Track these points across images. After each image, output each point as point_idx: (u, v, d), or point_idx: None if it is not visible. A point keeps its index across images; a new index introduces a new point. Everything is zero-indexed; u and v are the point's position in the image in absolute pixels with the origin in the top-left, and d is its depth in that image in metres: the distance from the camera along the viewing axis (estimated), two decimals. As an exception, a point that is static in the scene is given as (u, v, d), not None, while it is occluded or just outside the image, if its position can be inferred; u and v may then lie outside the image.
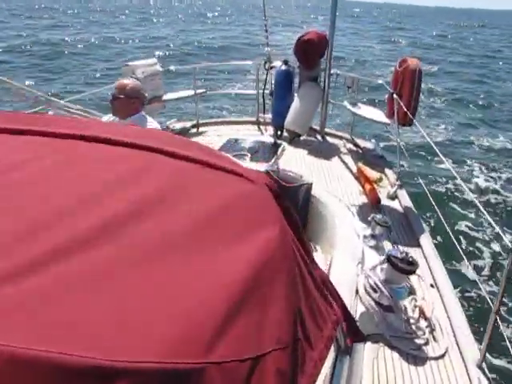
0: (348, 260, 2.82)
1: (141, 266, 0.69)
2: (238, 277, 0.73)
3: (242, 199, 0.94)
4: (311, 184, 3.59)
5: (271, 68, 5.80)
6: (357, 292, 2.74)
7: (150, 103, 5.67)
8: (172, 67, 6.29)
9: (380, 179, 4.53)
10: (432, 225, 5.69)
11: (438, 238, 5.29)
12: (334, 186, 4.43)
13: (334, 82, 5.47)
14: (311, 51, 5.29)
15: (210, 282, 0.70)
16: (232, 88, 10.58)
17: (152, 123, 3.42)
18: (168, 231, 0.78)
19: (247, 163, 4.42)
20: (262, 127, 6.04)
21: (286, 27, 30.70)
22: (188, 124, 6.12)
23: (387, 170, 4.78)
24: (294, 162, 4.91)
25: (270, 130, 5.86)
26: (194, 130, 6.06)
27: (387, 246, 3.42)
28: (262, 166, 4.16)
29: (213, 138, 5.58)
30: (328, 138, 5.66)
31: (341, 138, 5.65)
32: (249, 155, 4.73)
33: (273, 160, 4.69)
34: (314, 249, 3.52)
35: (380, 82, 5.18)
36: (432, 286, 3.15)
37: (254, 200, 0.96)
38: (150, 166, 0.95)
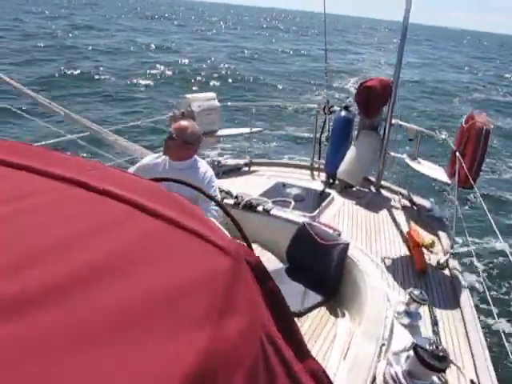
0: (370, 339, 2.49)
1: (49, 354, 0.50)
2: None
3: (208, 278, 0.72)
4: (348, 244, 3.29)
5: (331, 113, 5.58)
6: (374, 379, 2.39)
7: (205, 137, 5.65)
8: (229, 103, 6.25)
9: (432, 244, 4.11)
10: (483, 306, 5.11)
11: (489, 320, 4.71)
12: (379, 245, 4.07)
13: (395, 132, 5.16)
14: (373, 99, 5.03)
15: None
16: (289, 129, 10.41)
17: (203, 167, 3.32)
18: (101, 311, 0.59)
19: (288, 211, 4.18)
20: (315, 173, 5.79)
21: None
22: (241, 162, 6.00)
23: (442, 235, 4.35)
24: (342, 214, 4.61)
25: (324, 176, 5.60)
26: (246, 169, 5.92)
27: (426, 325, 3.04)
28: (301, 217, 3.92)
29: (263, 179, 5.40)
30: (383, 192, 5.30)
31: (397, 192, 5.27)
32: (292, 203, 4.50)
33: (316, 211, 4.42)
34: (342, 314, 3.20)
35: (443, 137, 4.80)
36: (473, 383, 2.72)
37: (225, 280, 0.73)
38: (112, 221, 0.76)
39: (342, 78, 22.47)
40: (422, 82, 25.43)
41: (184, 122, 3.23)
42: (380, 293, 2.86)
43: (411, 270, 3.74)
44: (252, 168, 5.95)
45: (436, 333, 3.09)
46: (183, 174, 3.23)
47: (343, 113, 5.35)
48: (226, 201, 4.14)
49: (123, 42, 30.47)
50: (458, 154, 4.15)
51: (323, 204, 4.62)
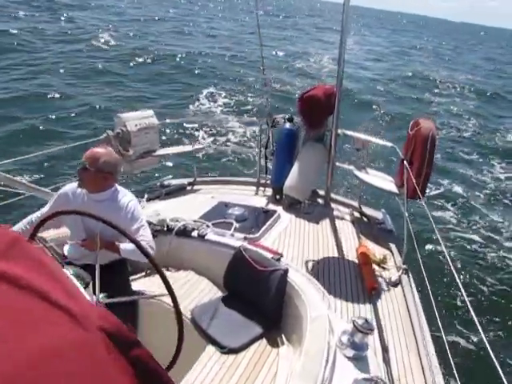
0: (308, 379, 2.18)
1: None
2: None
3: (52, 358, 0.63)
4: (286, 270, 2.98)
5: (274, 126, 5.31)
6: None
7: (144, 157, 5.29)
8: (168, 120, 5.91)
9: (383, 260, 3.86)
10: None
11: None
12: (327, 264, 3.78)
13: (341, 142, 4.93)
14: (316, 109, 4.78)
15: None
16: (233, 145, 10.10)
17: (125, 197, 3.01)
18: None
19: (229, 234, 3.85)
20: (261, 189, 5.49)
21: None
22: (185, 181, 5.65)
23: (394, 249, 4.10)
24: (288, 232, 4.31)
25: (270, 192, 5.31)
26: (189, 188, 5.58)
27: (375, 353, 2.75)
28: (239, 241, 3.60)
29: (206, 198, 5.06)
30: (332, 205, 5.04)
31: (347, 205, 5.02)
32: (234, 224, 4.17)
33: (259, 232, 4.10)
34: (284, 348, 2.88)
35: (390, 145, 4.59)
36: None
37: (74, 357, 0.66)
38: None
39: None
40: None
41: (97, 150, 2.91)
42: (321, 323, 2.55)
43: (361, 290, 3.46)
44: (196, 187, 5.61)
45: (386, 361, 2.80)
46: (102, 206, 2.95)
47: (287, 125, 5.09)
48: (157, 228, 3.78)
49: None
50: (405, 162, 3.93)
51: (268, 223, 4.31)
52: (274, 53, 27.19)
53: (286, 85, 18.69)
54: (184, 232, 3.69)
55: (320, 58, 28.36)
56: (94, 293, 2.22)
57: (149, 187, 5.49)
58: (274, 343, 2.89)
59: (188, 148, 5.71)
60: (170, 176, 5.91)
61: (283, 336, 2.96)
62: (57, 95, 13.32)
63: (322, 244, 4.11)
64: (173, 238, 3.68)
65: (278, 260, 3.15)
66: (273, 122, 5.30)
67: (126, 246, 2.97)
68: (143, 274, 3.65)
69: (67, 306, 0.73)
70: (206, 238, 3.61)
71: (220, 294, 3.36)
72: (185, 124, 8.16)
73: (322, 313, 2.62)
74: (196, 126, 5.72)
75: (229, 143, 10.07)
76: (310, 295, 2.80)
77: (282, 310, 3.01)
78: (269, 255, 3.21)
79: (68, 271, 1.78)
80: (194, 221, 4.14)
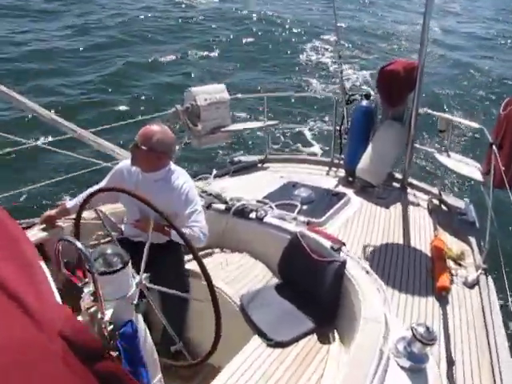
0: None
1: None
2: None
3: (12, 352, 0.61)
4: (344, 262, 2.72)
5: (350, 102, 4.95)
6: None
7: (214, 133, 5.18)
8: (240, 95, 5.72)
9: (461, 256, 3.44)
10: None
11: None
12: (395, 256, 3.44)
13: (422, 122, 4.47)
14: (396, 85, 4.35)
15: None
16: (308, 121, 9.61)
17: (180, 178, 2.90)
18: None
19: (291, 217, 3.63)
20: (334, 170, 5.17)
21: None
22: (255, 158, 5.48)
23: (475, 245, 3.64)
24: (356, 218, 4.00)
25: (343, 174, 4.98)
26: (259, 165, 5.40)
27: (439, 365, 2.43)
28: (300, 226, 3.36)
29: (275, 177, 4.86)
30: (410, 191, 4.61)
31: (426, 192, 4.57)
32: (299, 206, 3.94)
33: (324, 216, 3.84)
34: (335, 347, 2.65)
35: (478, 127, 4.07)
36: None
37: (16, 358, 0.61)
38: None
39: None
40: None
41: (151, 127, 2.77)
42: (375, 326, 2.28)
43: (430, 290, 3.10)
44: (267, 165, 5.41)
45: (450, 377, 2.47)
46: (156, 186, 2.85)
47: (364, 102, 4.71)
48: (216, 206, 3.64)
49: None
50: (494, 147, 3.44)
51: (335, 207, 4.03)
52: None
53: (363, 59, 17.25)
54: (242, 212, 3.52)
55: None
56: (138, 273, 2.12)
57: (218, 163, 5.37)
58: (325, 340, 2.67)
59: (260, 124, 5.52)
60: (241, 153, 5.75)
61: (336, 333, 2.72)
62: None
63: (393, 233, 3.76)
64: (230, 217, 3.53)
65: (338, 250, 2.88)
66: (348, 99, 4.94)
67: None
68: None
69: (26, 302, 0.68)
70: (264, 220, 3.42)
71: (274, 281, 3.17)
72: (258, 99, 7.99)
73: (377, 314, 2.34)
74: (266, 101, 5.45)
75: (303, 120, 9.73)
76: (366, 292, 2.52)
77: (337, 305, 2.76)
78: (328, 244, 2.95)
79: (107, 249, 1.67)
80: (258, 201, 3.97)
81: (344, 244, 3.03)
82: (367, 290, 2.55)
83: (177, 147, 2.99)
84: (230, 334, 3.04)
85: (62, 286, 1.88)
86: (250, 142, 8.04)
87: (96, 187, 3.35)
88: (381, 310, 2.37)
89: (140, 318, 1.81)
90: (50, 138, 3.99)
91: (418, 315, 2.82)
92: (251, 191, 4.28)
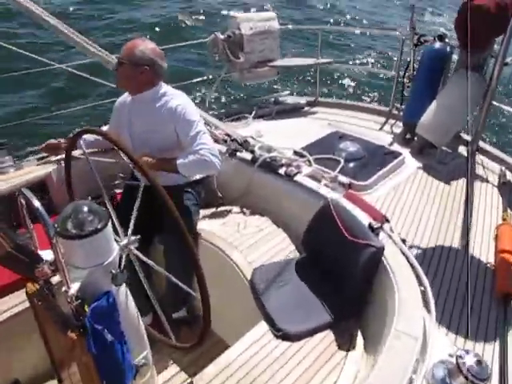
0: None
1: None
2: None
3: None
4: (382, 248, 2.15)
5: (421, 43, 4.12)
6: None
7: (259, 67, 4.56)
8: (290, 26, 4.96)
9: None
10: None
11: None
12: (449, 241, 2.80)
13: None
14: (481, 24, 3.48)
15: None
16: (366, 61, 8.47)
17: (173, 99, 2.56)
18: None
19: (330, 176, 3.04)
20: (391, 123, 4.44)
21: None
22: (303, 100, 4.83)
23: None
24: (408, 186, 3.34)
25: (401, 129, 4.25)
26: (306, 109, 4.75)
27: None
28: (338, 189, 2.78)
29: (322, 125, 4.23)
30: (479, 158, 3.85)
31: (500, 160, 3.79)
32: (341, 163, 3.33)
33: (371, 179, 3.21)
34: (359, 343, 2.15)
35: None
36: None
37: None
38: None
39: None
40: None
41: (135, 40, 2.55)
42: (409, 338, 1.74)
43: (489, 293, 2.48)
44: (315, 109, 4.75)
45: None
46: (147, 110, 2.59)
47: (437, 44, 3.89)
48: (240, 155, 3.10)
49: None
50: None
51: (386, 168, 3.38)
52: None
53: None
54: (270, 166, 2.96)
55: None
56: (126, 233, 1.69)
57: (260, 102, 4.76)
58: (345, 339, 2.16)
59: (312, 61, 4.81)
60: (287, 92, 5.08)
61: (359, 333, 2.20)
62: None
63: (450, 210, 3.09)
64: (255, 171, 2.99)
65: (377, 230, 2.31)
66: (418, 39, 4.11)
67: (183, 160, 2.47)
68: (213, 210, 3.06)
69: None
70: (294, 178, 2.85)
71: (295, 255, 2.66)
72: (311, 32, 7.10)
73: (414, 327, 1.79)
74: (324, 35, 4.71)
75: (362, 60, 8.62)
76: (405, 294, 1.96)
77: (365, 300, 2.23)
78: (366, 220, 2.38)
79: (83, 207, 1.35)
80: (295, 152, 3.40)
81: (387, 220, 2.45)
82: (407, 290, 1.99)
83: (165, 64, 2.59)
84: (236, 312, 2.62)
85: (14, 247, 1.49)
86: (298, 81, 7.29)
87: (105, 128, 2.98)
88: (420, 323, 1.81)
89: (122, 287, 1.52)
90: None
91: (466, 329, 2.20)
92: (291, 138, 3.72)
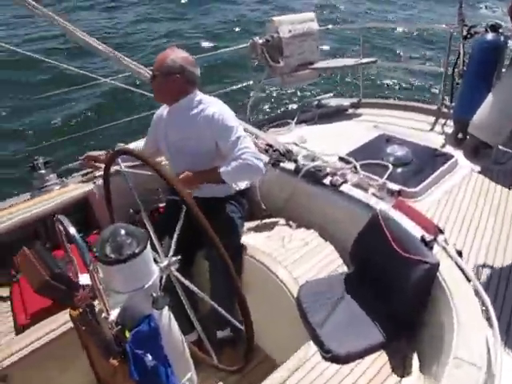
0: None
1: None
2: None
3: None
4: (436, 265, 1.99)
5: (471, 36, 3.88)
6: None
7: (299, 70, 4.45)
8: (330, 26, 4.81)
9: None
10: None
11: None
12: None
13: None
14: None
15: None
16: (413, 60, 8.05)
17: (210, 107, 2.52)
18: None
19: (378, 183, 2.90)
20: (441, 122, 4.20)
21: None
22: (346, 102, 4.67)
23: None
24: (463, 190, 3.12)
25: (452, 128, 4.01)
26: (350, 111, 4.59)
27: None
28: (386, 198, 2.64)
29: (367, 127, 4.06)
30: None
31: None
32: (390, 168, 3.17)
33: (421, 185, 3.03)
34: (414, 367, 2.00)
35: None
36: None
37: None
38: None
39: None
40: None
41: (165, 51, 2.53)
42: (471, 372, 1.59)
43: None
44: (360, 110, 4.59)
45: None
46: (182, 118, 2.55)
47: (489, 35, 3.64)
48: (283, 165, 3.01)
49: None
50: None
51: (436, 173, 3.18)
52: None
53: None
54: (314, 176, 2.86)
55: None
56: (167, 253, 1.65)
57: (303, 106, 4.65)
58: (398, 361, 2.02)
59: (354, 61, 4.64)
60: (331, 95, 4.93)
61: (415, 355, 2.06)
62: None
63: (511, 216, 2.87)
64: (299, 181, 2.89)
65: (431, 243, 2.16)
66: (468, 31, 3.87)
67: (226, 168, 2.40)
68: (257, 222, 2.98)
69: None
70: (340, 188, 2.73)
71: (343, 269, 2.53)
72: (352, 32, 6.86)
73: (477, 355, 1.64)
74: (366, 34, 4.54)
75: (407, 57, 8.21)
76: (465, 317, 1.80)
77: (419, 318, 2.09)
78: (418, 232, 2.23)
79: (120, 230, 1.33)
80: (340, 158, 3.28)
81: (441, 231, 2.29)
82: (466, 310, 1.83)
83: (198, 70, 2.57)
84: (283, 329, 2.52)
85: (52, 276, 1.47)
86: (341, 83, 7.07)
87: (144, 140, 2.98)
88: (483, 349, 1.66)
89: (164, 309, 1.49)
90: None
91: None
92: (336, 143, 3.60)
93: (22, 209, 2.94)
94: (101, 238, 1.32)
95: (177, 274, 1.65)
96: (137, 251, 1.29)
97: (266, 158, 3.00)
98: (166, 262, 1.58)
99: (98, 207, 3.03)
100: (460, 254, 2.20)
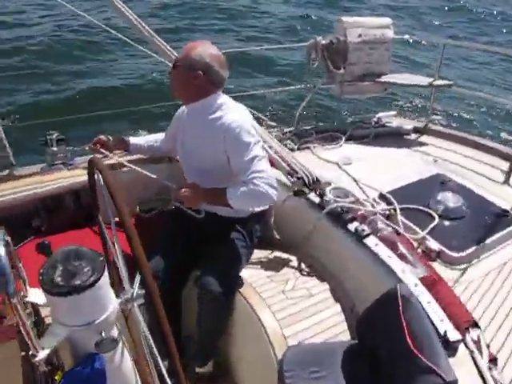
0: None
1: None
2: None
3: None
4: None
5: None
6: None
7: (363, 81, 3.95)
8: (407, 36, 4.21)
9: None
10: None
11: None
12: None
13: None
14: None
15: None
16: (494, 90, 7.00)
17: (229, 114, 2.18)
18: None
19: (420, 235, 2.43)
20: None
21: None
22: (409, 125, 4.12)
23: None
24: None
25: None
26: (412, 136, 4.04)
27: None
28: (408, 268, 2.15)
29: (426, 161, 3.52)
30: None
31: None
32: (436, 220, 2.66)
33: (469, 250, 2.50)
34: None
35: None
36: None
37: None
38: None
39: None
40: None
41: (195, 42, 2.23)
42: None
43: None
44: (423, 138, 4.02)
45: None
46: (196, 121, 2.28)
47: None
48: (310, 197, 2.58)
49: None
50: None
51: (493, 238, 2.62)
52: None
53: None
54: (339, 217, 2.41)
55: None
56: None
57: (358, 121, 4.15)
58: None
59: (427, 81, 4.06)
60: (392, 113, 4.36)
61: None
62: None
63: None
64: (322, 218, 2.45)
65: (455, 344, 1.68)
66: None
67: (233, 191, 2.08)
68: (265, 253, 2.58)
69: None
70: (364, 240, 2.27)
71: (346, 337, 2.11)
72: (431, 46, 6.08)
73: None
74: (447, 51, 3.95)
75: (490, 87, 7.15)
76: None
77: None
78: (443, 325, 1.76)
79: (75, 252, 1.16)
80: (381, 195, 2.82)
81: (477, 325, 1.82)
82: None
83: (227, 71, 2.23)
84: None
85: None
86: (408, 101, 6.37)
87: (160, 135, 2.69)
88: None
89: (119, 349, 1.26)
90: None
91: None
92: (384, 172, 3.18)
93: (26, 185, 2.80)
94: (50, 261, 1.14)
95: (137, 311, 1.31)
96: (89, 282, 1.10)
97: (287, 181, 2.59)
98: (127, 296, 1.27)
99: (100, 198, 2.78)
100: (495, 361, 1.72)
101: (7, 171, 2.93)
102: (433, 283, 2.00)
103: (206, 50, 2.16)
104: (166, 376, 1.41)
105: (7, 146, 2.96)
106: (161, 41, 2.89)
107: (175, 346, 1.45)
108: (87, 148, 2.79)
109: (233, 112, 2.19)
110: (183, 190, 2.14)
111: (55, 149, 2.98)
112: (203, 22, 10.39)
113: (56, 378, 1.23)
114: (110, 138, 2.64)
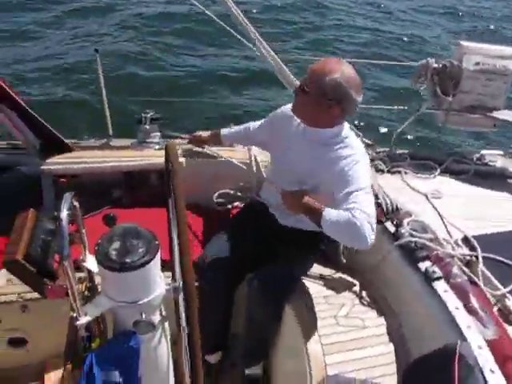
0: None
1: None
2: None
3: None
4: None
5: None
6: None
7: (472, 113, 3.67)
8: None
9: None
10: None
11: None
12: None
13: None
14: None
15: None
16: None
17: (347, 148, 1.99)
18: None
19: (495, 293, 2.20)
20: None
21: None
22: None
23: None
24: None
25: None
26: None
27: None
28: (476, 325, 1.95)
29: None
30: None
31: None
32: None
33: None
34: None
35: None
36: None
37: None
38: None
39: None
40: None
41: (331, 62, 1.93)
42: None
43: None
44: None
45: None
46: (313, 148, 2.05)
47: None
48: (386, 225, 2.42)
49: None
50: None
51: None
52: None
53: None
54: (411, 253, 2.24)
55: None
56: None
57: (458, 154, 3.86)
58: None
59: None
60: (499, 152, 3.99)
61: None
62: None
63: None
64: (393, 249, 2.30)
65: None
66: None
67: (331, 213, 1.87)
68: (328, 272, 2.47)
69: None
70: (433, 283, 2.09)
71: (392, 381, 1.95)
72: None
73: None
74: None
75: None
76: None
77: None
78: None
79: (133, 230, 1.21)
80: (465, 238, 2.59)
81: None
82: None
83: (361, 95, 1.95)
84: None
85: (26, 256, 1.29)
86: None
87: (252, 124, 2.60)
88: None
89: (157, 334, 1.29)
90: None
91: None
92: (475, 215, 2.90)
93: (115, 156, 2.94)
94: (109, 234, 1.19)
95: (181, 301, 1.29)
96: (140, 262, 1.13)
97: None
98: (176, 284, 1.27)
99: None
100: None
101: (105, 140, 3.11)
102: (502, 350, 1.78)
103: (344, 74, 1.89)
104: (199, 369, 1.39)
105: (108, 116, 3.14)
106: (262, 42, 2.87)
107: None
108: (184, 137, 2.92)
109: (351, 146, 2.01)
110: (290, 192, 2.04)
111: (147, 127, 3.10)
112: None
113: (93, 345, 1.30)
114: (208, 133, 2.71)
